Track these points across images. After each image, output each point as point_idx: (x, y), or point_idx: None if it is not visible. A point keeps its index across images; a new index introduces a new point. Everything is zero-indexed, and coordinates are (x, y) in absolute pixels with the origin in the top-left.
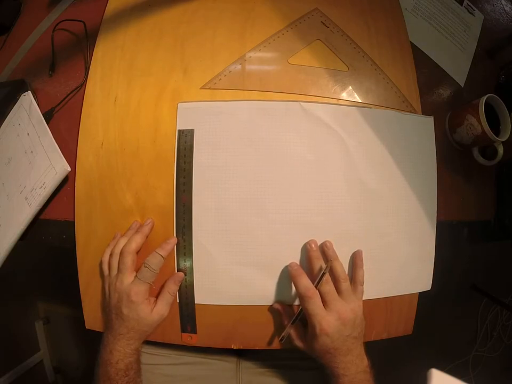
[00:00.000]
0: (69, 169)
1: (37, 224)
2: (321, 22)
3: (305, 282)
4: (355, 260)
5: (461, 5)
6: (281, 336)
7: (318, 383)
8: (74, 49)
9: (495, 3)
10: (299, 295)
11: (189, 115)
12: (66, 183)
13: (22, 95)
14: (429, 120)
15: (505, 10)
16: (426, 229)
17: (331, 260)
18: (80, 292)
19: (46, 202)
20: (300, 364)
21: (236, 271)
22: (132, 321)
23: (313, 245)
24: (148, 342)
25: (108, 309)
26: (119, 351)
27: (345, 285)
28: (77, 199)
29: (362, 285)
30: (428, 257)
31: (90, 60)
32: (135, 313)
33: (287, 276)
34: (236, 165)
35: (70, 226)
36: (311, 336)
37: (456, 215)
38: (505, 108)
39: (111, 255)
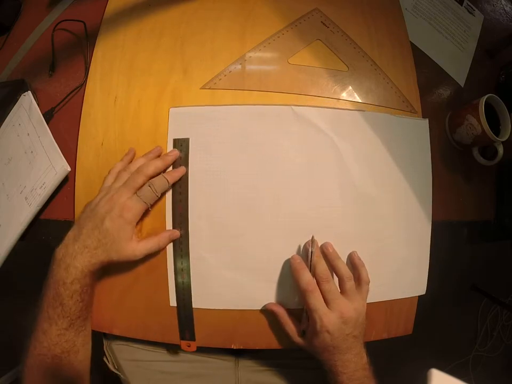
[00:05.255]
0: (69, 169)
1: (37, 224)
2: (321, 22)
3: (307, 276)
4: (354, 261)
5: (461, 5)
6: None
7: (316, 382)
8: (74, 49)
9: (495, 3)
10: (300, 289)
11: (180, 120)
12: (66, 183)
13: (22, 95)
14: (424, 123)
15: (505, 10)
16: (421, 233)
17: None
18: None
19: (46, 202)
20: (298, 362)
21: (230, 275)
22: (107, 238)
23: (296, 258)
24: (145, 341)
25: (84, 218)
26: (77, 268)
27: (349, 284)
28: (77, 199)
29: (368, 284)
30: (422, 261)
31: (90, 60)
32: (117, 231)
33: (282, 281)
34: (229, 171)
35: (70, 226)
36: (312, 332)
37: (456, 215)
38: (505, 108)
39: (124, 169)
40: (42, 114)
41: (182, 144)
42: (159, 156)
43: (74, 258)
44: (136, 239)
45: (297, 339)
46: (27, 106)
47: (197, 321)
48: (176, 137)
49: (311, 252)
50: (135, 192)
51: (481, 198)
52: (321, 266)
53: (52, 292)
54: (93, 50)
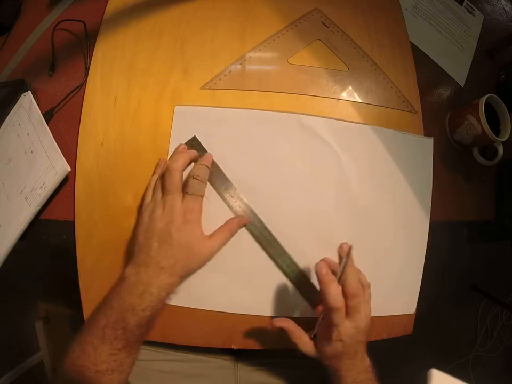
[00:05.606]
0: (69, 169)
1: (37, 224)
2: (321, 22)
3: (336, 291)
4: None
5: (461, 5)
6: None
7: (316, 381)
8: (74, 49)
9: (495, 3)
10: (327, 304)
11: (184, 119)
12: (66, 183)
13: (22, 95)
14: (429, 141)
15: (505, 10)
16: (415, 252)
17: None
18: (80, 292)
19: (46, 202)
20: (298, 362)
21: (214, 278)
22: (181, 249)
23: (322, 267)
24: (144, 340)
25: (143, 241)
26: (152, 294)
27: (367, 292)
28: (77, 199)
29: (370, 287)
30: (414, 280)
31: (90, 60)
32: (189, 237)
33: (282, 289)
34: (229, 171)
35: (70, 226)
36: (324, 340)
37: (456, 215)
38: (505, 108)
39: (155, 175)
40: (42, 114)
41: (192, 145)
42: None
43: (150, 285)
44: (206, 236)
45: (308, 349)
46: (27, 106)
47: (197, 321)
48: (181, 142)
49: (345, 262)
50: (184, 192)
51: (481, 198)
52: (355, 281)
53: (115, 315)
54: (93, 50)
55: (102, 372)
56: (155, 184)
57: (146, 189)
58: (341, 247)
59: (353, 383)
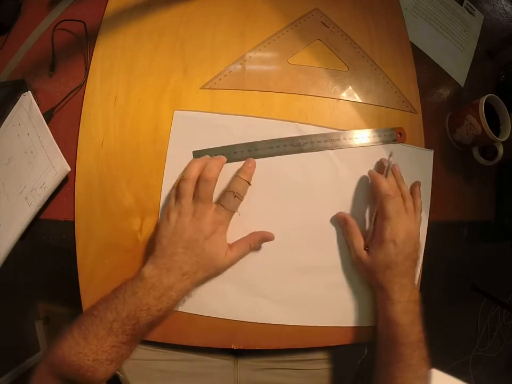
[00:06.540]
0: (69, 169)
1: (37, 224)
2: (321, 22)
3: (386, 183)
4: (414, 189)
5: (461, 5)
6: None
7: (316, 381)
8: (74, 49)
9: (495, 3)
10: (380, 194)
11: (183, 124)
12: (66, 183)
13: (22, 95)
14: (429, 154)
15: (505, 10)
16: None
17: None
18: (80, 292)
19: (46, 202)
20: (298, 362)
21: (217, 285)
22: (206, 258)
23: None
24: (143, 340)
25: (167, 244)
26: (171, 297)
27: (409, 204)
28: (77, 199)
29: (421, 212)
30: None
31: (90, 60)
32: (214, 247)
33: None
34: (225, 178)
35: (70, 226)
36: (377, 243)
37: (456, 215)
38: (505, 108)
39: (183, 179)
40: (42, 114)
41: (200, 155)
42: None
43: (171, 288)
44: (228, 247)
45: (362, 252)
46: (27, 106)
47: (198, 321)
48: (180, 148)
49: (389, 165)
50: (219, 203)
51: (481, 198)
52: (393, 181)
53: (127, 311)
54: (93, 50)
55: (101, 361)
56: (182, 188)
57: (176, 188)
58: (381, 160)
59: (402, 312)
